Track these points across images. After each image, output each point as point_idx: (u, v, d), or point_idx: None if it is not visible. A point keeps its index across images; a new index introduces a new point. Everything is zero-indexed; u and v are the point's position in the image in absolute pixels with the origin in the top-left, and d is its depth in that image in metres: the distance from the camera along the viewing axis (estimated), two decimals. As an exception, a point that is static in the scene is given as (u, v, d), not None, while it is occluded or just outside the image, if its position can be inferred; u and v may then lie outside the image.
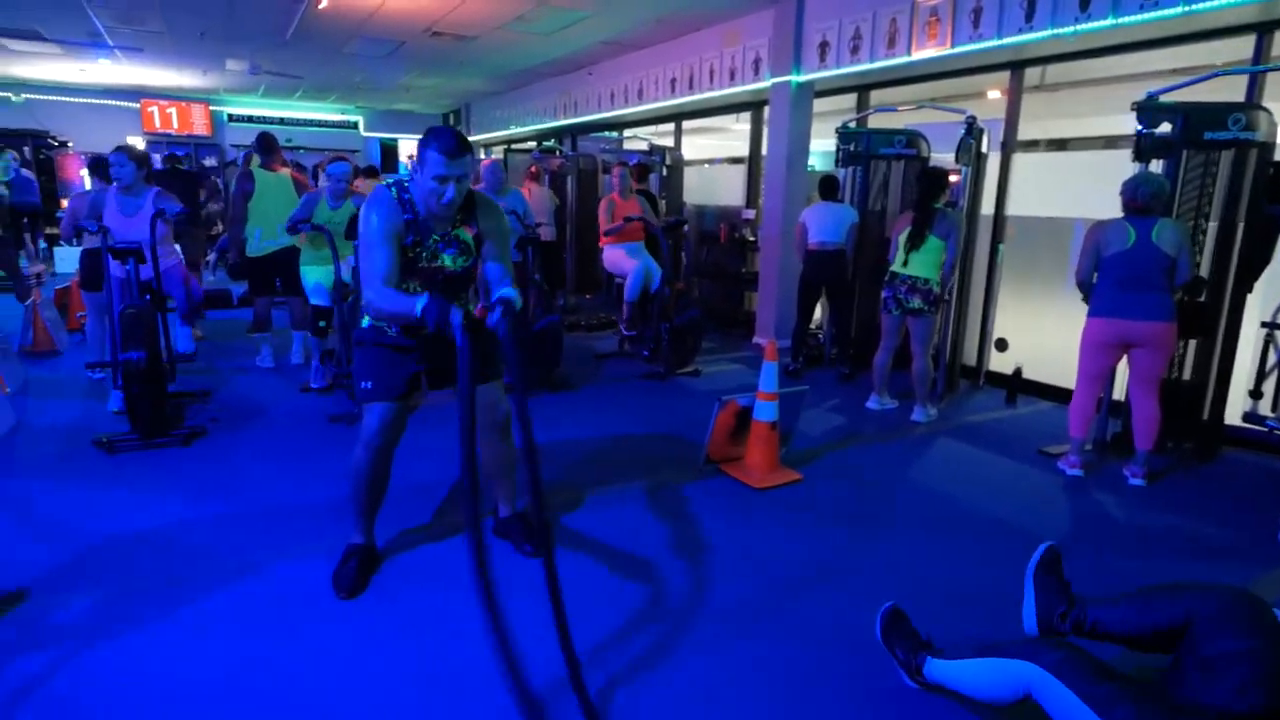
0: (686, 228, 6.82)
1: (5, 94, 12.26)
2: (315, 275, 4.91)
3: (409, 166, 2.95)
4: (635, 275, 5.70)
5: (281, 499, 3.33)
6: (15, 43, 8.76)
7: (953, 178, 4.82)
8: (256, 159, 5.43)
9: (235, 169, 10.68)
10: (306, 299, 5.21)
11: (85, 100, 12.90)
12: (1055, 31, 4.44)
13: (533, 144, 10.94)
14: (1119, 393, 4.14)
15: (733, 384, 5.40)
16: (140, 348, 3.75)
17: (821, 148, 7.24)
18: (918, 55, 5.25)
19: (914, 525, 3.26)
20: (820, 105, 6.39)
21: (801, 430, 4.25)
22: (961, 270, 5.14)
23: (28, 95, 12.46)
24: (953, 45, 5.00)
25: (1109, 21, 4.20)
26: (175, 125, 13.56)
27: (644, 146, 7.48)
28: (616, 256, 5.84)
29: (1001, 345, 5.52)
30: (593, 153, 8.38)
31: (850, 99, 6.70)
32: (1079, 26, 4.33)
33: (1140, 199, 3.60)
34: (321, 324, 4.85)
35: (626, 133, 9.40)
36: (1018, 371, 5.22)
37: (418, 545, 2.91)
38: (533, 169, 7.59)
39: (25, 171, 9.94)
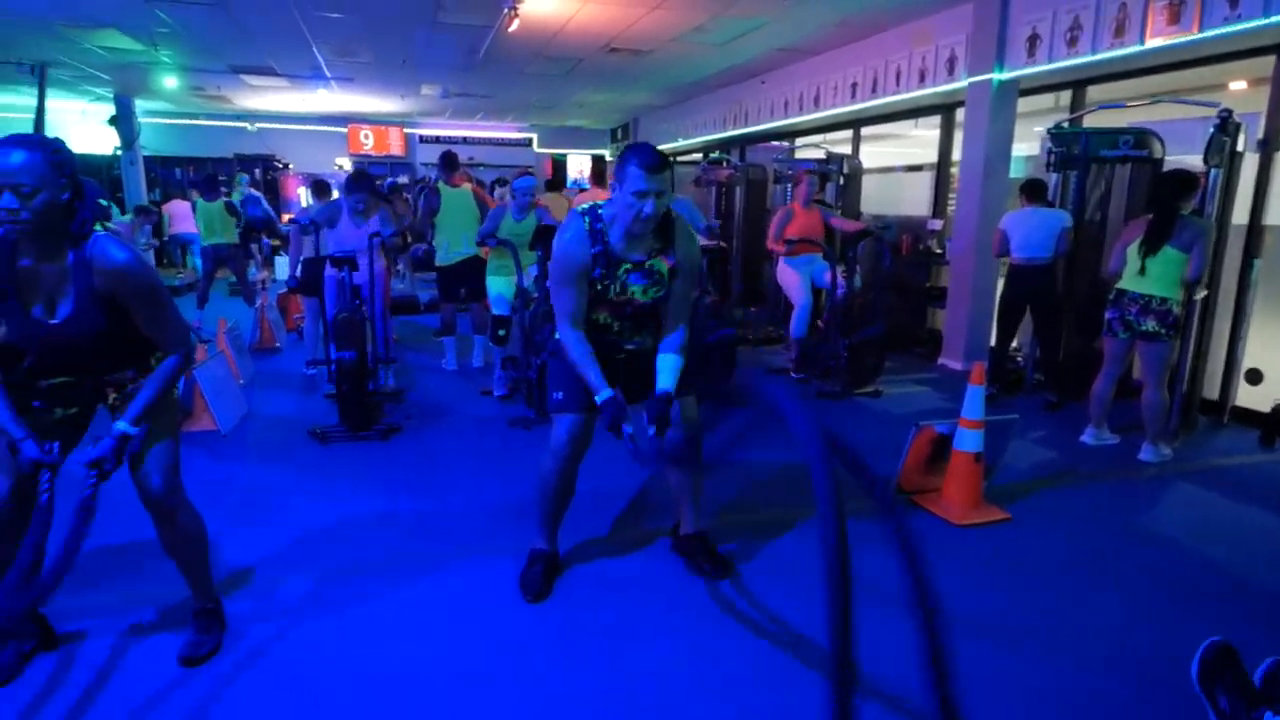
0: (888, 234, 6.41)
1: (242, 123, 14.07)
2: (499, 286, 5.10)
3: (578, 179, 2.95)
4: (804, 304, 5.45)
5: (468, 499, 3.44)
6: (253, 78, 9.99)
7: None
8: (442, 175, 5.77)
9: (426, 184, 11.60)
10: (488, 306, 5.45)
11: (303, 127, 14.52)
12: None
13: (698, 155, 10.94)
14: None
15: (918, 408, 5.00)
16: (351, 348, 4.05)
17: (1017, 152, 6.61)
18: (1152, 44, 4.62)
19: (1141, 582, 2.79)
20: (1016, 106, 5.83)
21: (1006, 464, 3.82)
22: (1206, 288, 4.43)
23: (260, 124, 14.23)
24: (1200, 29, 4.35)
25: None
26: (374, 146, 14.93)
27: (820, 154, 7.19)
28: (789, 277, 5.58)
29: (1254, 377, 4.69)
30: (762, 163, 8.20)
31: (1049, 99, 6.07)
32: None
33: None
34: (501, 333, 5.03)
35: (799, 140, 9.13)
36: (1278, 409, 4.41)
37: (597, 556, 2.89)
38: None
39: (253, 190, 11.35)
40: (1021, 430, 4.48)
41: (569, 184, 10.98)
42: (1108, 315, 4.13)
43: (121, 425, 1.94)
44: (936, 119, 7.06)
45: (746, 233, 7.66)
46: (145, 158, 12.44)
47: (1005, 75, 5.64)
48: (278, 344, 6.62)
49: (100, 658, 2.20)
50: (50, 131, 5.57)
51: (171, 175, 13.73)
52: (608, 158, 15.48)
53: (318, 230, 4.98)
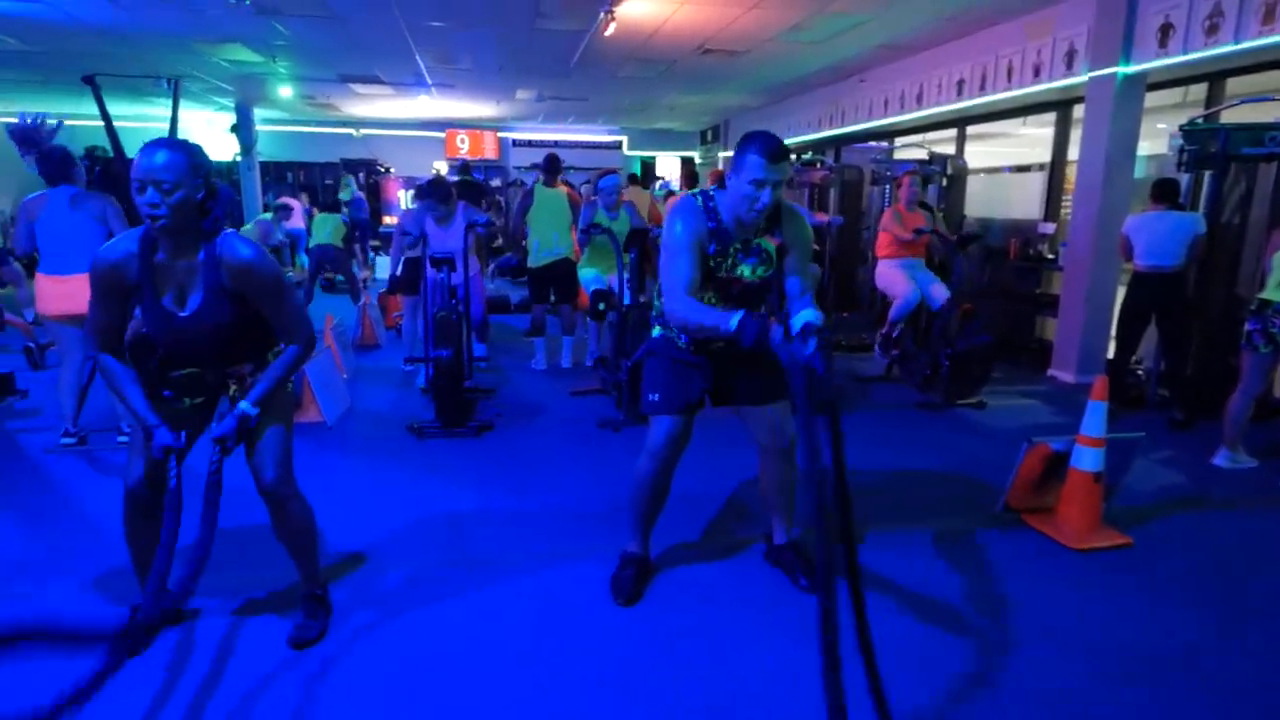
0: (981, 240, 6.12)
1: (349, 130, 14.80)
2: (594, 272, 5.15)
3: (665, 181, 2.91)
4: (906, 302, 5.22)
5: (558, 498, 3.47)
6: (360, 86, 10.47)
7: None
8: (542, 177, 5.86)
9: (520, 188, 11.87)
10: (576, 306, 5.50)
11: (403, 132, 15.12)
12: None
13: (792, 156, 10.73)
14: None
15: (1026, 422, 4.72)
16: (449, 346, 4.16)
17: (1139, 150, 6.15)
18: (1308, 29, 4.20)
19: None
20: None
21: (1128, 485, 3.54)
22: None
23: (364, 130, 14.92)
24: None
25: None
26: (470, 150, 15.39)
27: (922, 154, 6.90)
28: (892, 275, 5.39)
29: None
30: (858, 164, 7.95)
31: (1174, 94, 5.60)
32: None
33: None
34: (601, 306, 5.00)
35: (899, 140, 8.81)
36: None
37: (688, 561, 2.86)
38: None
39: (359, 194, 11.94)
40: (1145, 450, 4.16)
41: (656, 187, 10.97)
42: (1248, 327, 3.77)
43: (243, 405, 2.04)
44: (1049, 116, 6.66)
45: (840, 235, 7.45)
46: (260, 163, 13.27)
47: (1132, 69, 5.24)
48: (378, 341, 6.89)
49: (217, 635, 2.32)
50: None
51: (284, 178, 14.58)
52: (697, 160, 15.43)
53: (421, 240, 5.15)
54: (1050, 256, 6.37)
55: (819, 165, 8.12)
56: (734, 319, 2.09)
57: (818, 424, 1.72)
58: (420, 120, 14.32)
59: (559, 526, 3.17)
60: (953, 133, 7.93)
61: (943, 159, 6.59)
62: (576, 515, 3.27)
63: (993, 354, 5.01)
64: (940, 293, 5.12)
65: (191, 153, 1.91)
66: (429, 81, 10.09)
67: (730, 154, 13.15)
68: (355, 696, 2.06)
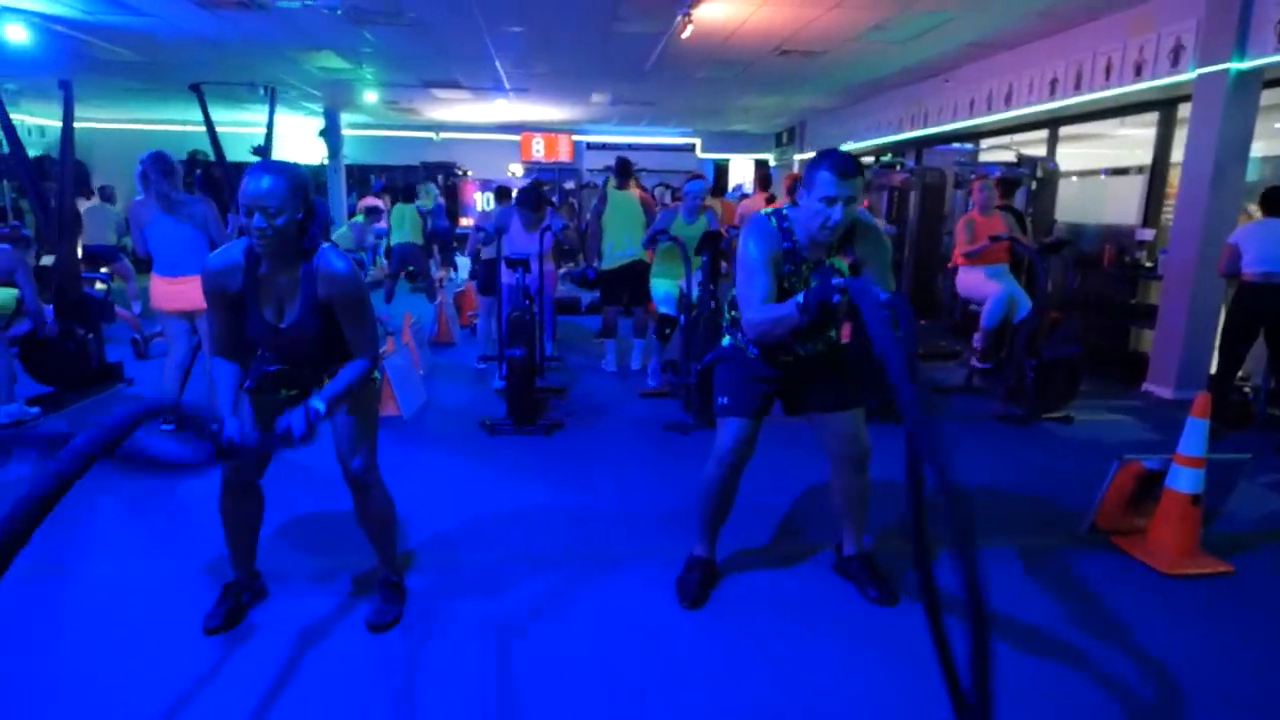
0: (1070, 247, 5.83)
1: (429, 134, 15.28)
2: (664, 287, 5.15)
3: (738, 186, 2.88)
4: (997, 301, 5.02)
5: (626, 499, 3.48)
6: (441, 91, 10.79)
7: None
8: (613, 180, 5.90)
9: (593, 190, 12.01)
10: (648, 309, 5.50)
11: (480, 136, 15.51)
12: None
13: (869, 159, 10.48)
14: None
15: (1117, 438, 4.46)
16: (522, 346, 4.24)
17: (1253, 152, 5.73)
18: None
19: None
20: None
21: (1230, 510, 3.31)
22: None
23: (443, 134, 15.38)
24: None
25: None
26: (544, 154, 15.66)
27: (1010, 157, 6.63)
28: (974, 280, 5.20)
29: None
30: (940, 166, 7.69)
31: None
32: None
33: None
34: (667, 331, 5.05)
35: (985, 142, 8.49)
36: None
37: (755, 568, 2.83)
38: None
39: (441, 201, 12.32)
40: (1251, 472, 3.88)
41: (728, 192, 10.88)
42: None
43: (315, 402, 2.08)
44: (1149, 116, 6.29)
45: (921, 240, 7.22)
46: (345, 166, 13.85)
47: (1247, 65, 4.90)
48: (453, 338, 7.08)
49: (299, 615, 2.43)
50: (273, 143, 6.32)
51: (367, 181, 15.19)
52: (771, 162, 15.26)
53: (499, 237, 5.27)
54: (1148, 264, 6.01)
55: (899, 168, 7.91)
56: (798, 296, 2.15)
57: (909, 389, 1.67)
58: (496, 124, 14.66)
59: (625, 527, 3.19)
60: (1042, 134, 7.58)
61: (1032, 161, 6.32)
62: (643, 516, 3.29)
63: (1081, 365, 4.76)
64: (1023, 301, 4.91)
65: (292, 176, 2.02)
66: (507, 86, 10.32)
67: (806, 156, 13.01)
68: (426, 681, 2.12)
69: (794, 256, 2.35)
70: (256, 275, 2.11)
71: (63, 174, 5.15)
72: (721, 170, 15.63)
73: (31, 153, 6.31)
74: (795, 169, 13.37)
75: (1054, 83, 6.69)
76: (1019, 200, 6.24)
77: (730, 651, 2.30)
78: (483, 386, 5.46)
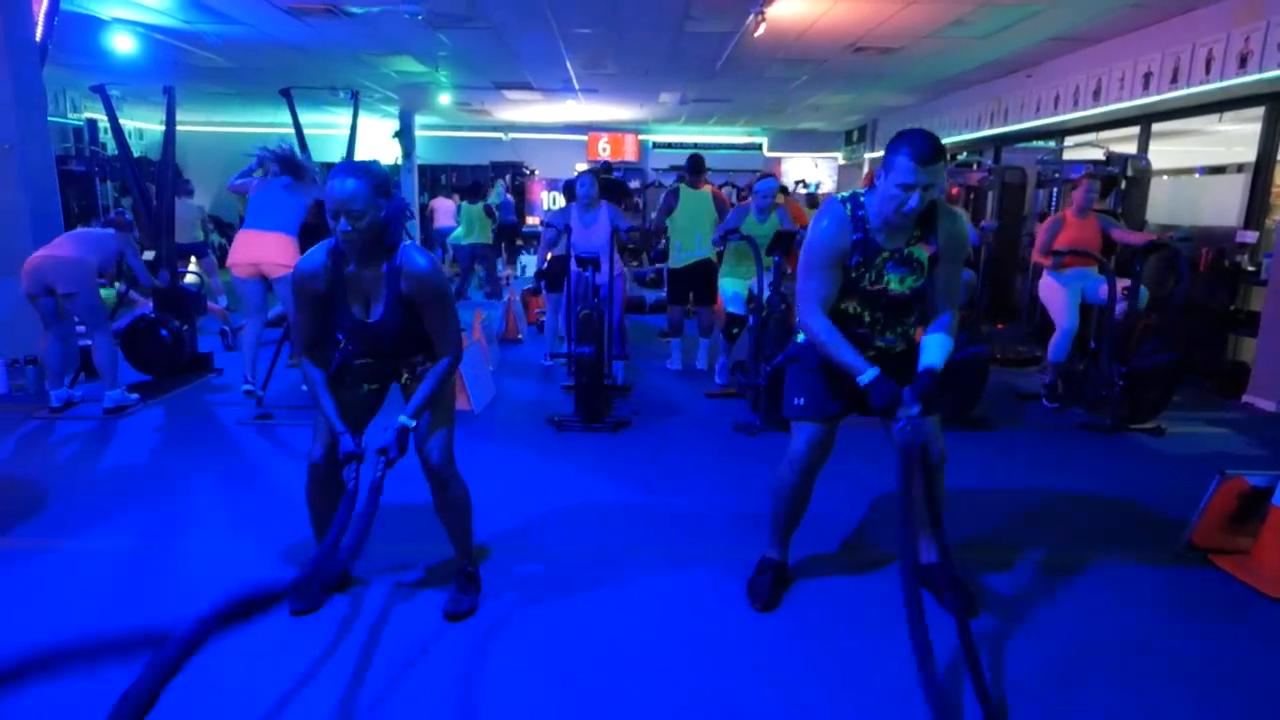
0: (1186, 246, 5.47)
1: (498, 134, 15.58)
2: (733, 286, 5.11)
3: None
4: (1065, 335, 4.70)
5: (693, 499, 3.47)
6: (511, 92, 10.98)
7: None
8: (685, 178, 5.89)
9: (658, 189, 12.02)
10: (714, 309, 5.47)
11: (548, 136, 15.71)
12: None
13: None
14: None
15: (1213, 452, 4.21)
16: (590, 344, 4.27)
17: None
18: None
19: None
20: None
21: (1346, 532, 3.07)
22: None
23: (512, 135, 15.65)
24: None
25: None
26: (611, 153, 15.75)
27: (1098, 155, 6.32)
28: (1055, 289, 4.92)
29: None
30: (1020, 164, 7.40)
31: None
32: None
33: None
34: (735, 330, 5.00)
35: (1068, 140, 8.13)
36: None
37: (828, 573, 2.78)
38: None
39: (508, 197, 12.55)
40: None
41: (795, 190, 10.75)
42: None
43: (403, 419, 2.23)
44: (1253, 111, 5.90)
45: (997, 241, 6.96)
46: (418, 165, 14.25)
47: (1367, 54, 4.55)
48: (520, 335, 7.20)
49: (380, 602, 2.51)
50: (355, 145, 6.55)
51: (438, 180, 15.59)
52: (841, 161, 14.98)
53: (567, 235, 5.32)
54: (1250, 269, 5.64)
55: (976, 166, 7.65)
56: (868, 375, 2.17)
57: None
58: (564, 124, 14.82)
59: (692, 527, 3.18)
60: (1130, 130, 7.21)
61: (1122, 159, 6.01)
62: (710, 517, 3.27)
63: (1175, 374, 4.50)
64: (1116, 299, 4.63)
65: (374, 177, 2.11)
66: (576, 87, 10.42)
67: (876, 156, 12.73)
68: (500, 670, 2.17)
69: (865, 247, 2.29)
70: (343, 274, 2.20)
71: (162, 174, 5.47)
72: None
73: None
74: (866, 169, 13.09)
75: (1148, 77, 6.35)
76: (1109, 200, 5.95)
77: (805, 658, 2.26)
78: (550, 383, 5.53)
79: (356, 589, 2.57)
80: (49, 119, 5.33)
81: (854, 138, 14.36)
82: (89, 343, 4.59)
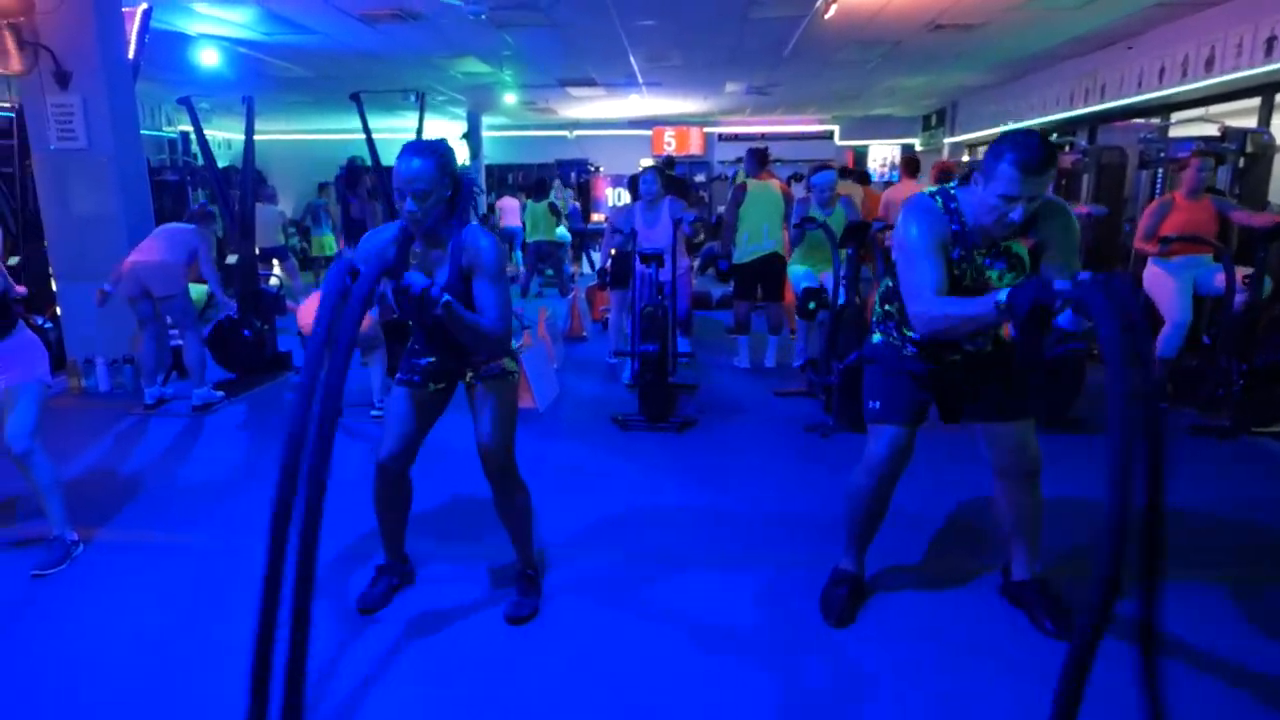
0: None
1: (563, 132, 15.64)
2: (803, 268, 4.92)
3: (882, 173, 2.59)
4: (1176, 328, 4.30)
5: (762, 502, 3.32)
6: (576, 89, 10.97)
7: None
8: (742, 172, 5.69)
9: (724, 183, 11.82)
10: (784, 305, 5.26)
11: (612, 132, 15.67)
12: None
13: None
14: None
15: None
16: (655, 341, 4.15)
17: None
18: None
19: None
20: None
21: None
22: None
23: (577, 132, 15.69)
24: None
25: None
26: (675, 147, 15.59)
27: (1211, 130, 5.77)
28: (1155, 277, 4.50)
29: None
30: (1120, 144, 6.85)
31: None
32: None
33: None
34: (811, 305, 4.73)
35: (1174, 116, 7.50)
36: None
37: (909, 587, 2.59)
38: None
39: (575, 204, 12.58)
40: None
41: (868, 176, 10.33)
42: None
43: (436, 290, 1.93)
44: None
45: (1094, 227, 6.47)
46: (485, 166, 14.45)
47: None
48: (584, 333, 7.15)
49: (444, 600, 2.49)
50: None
51: (505, 180, 15.78)
52: (918, 147, 14.38)
53: (633, 236, 5.21)
54: (1393, 252, 5.04)
55: (1068, 148, 7.14)
56: (1000, 294, 1.81)
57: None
58: (628, 119, 14.75)
59: (762, 531, 3.04)
60: (1248, 103, 6.57)
61: (1239, 134, 5.46)
62: (780, 521, 3.12)
63: (1307, 371, 4.04)
64: (1235, 289, 4.20)
65: (440, 155, 2.07)
66: (640, 81, 10.31)
67: (956, 140, 12.11)
68: (559, 677, 2.11)
69: (963, 240, 2.10)
70: (409, 250, 2.19)
71: (244, 181, 5.66)
72: (859, 157, 14.91)
73: (220, 164, 7.00)
74: (944, 154, 12.52)
75: (1270, 41, 5.74)
76: (1222, 180, 5.42)
77: (881, 681, 2.10)
78: (614, 381, 5.44)
79: (423, 586, 2.57)
80: (144, 132, 5.59)
81: (931, 122, 13.74)
82: (180, 342, 4.80)
